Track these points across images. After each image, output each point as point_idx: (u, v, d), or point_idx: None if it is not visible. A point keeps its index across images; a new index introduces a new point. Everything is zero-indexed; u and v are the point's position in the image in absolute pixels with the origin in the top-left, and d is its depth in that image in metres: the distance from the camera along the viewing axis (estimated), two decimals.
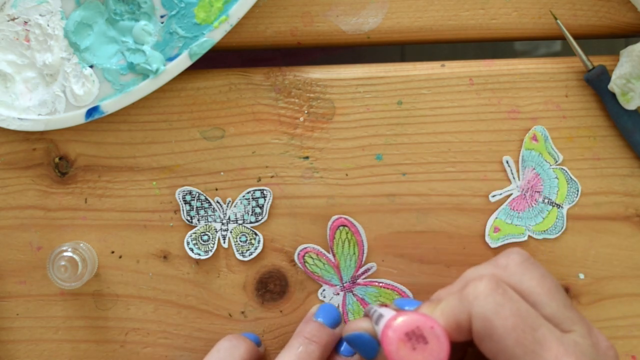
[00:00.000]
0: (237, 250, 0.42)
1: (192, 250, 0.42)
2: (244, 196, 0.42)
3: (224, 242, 0.42)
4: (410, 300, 0.39)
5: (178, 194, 0.42)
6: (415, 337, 0.31)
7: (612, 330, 0.41)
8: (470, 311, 0.32)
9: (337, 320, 0.40)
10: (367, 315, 0.36)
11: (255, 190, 0.42)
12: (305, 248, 0.42)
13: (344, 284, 0.42)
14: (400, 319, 0.31)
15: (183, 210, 0.42)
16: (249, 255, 0.42)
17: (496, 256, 0.35)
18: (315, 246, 0.42)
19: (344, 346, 0.39)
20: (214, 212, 0.42)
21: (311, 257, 0.42)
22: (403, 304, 0.38)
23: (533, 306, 0.33)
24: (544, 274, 0.34)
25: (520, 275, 0.34)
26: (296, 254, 0.42)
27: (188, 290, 0.42)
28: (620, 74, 0.39)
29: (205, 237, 0.42)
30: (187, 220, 0.42)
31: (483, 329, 0.31)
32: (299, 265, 0.42)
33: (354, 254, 0.42)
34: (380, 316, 0.33)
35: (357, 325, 0.35)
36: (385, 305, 0.40)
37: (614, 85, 0.39)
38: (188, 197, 0.42)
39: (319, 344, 0.38)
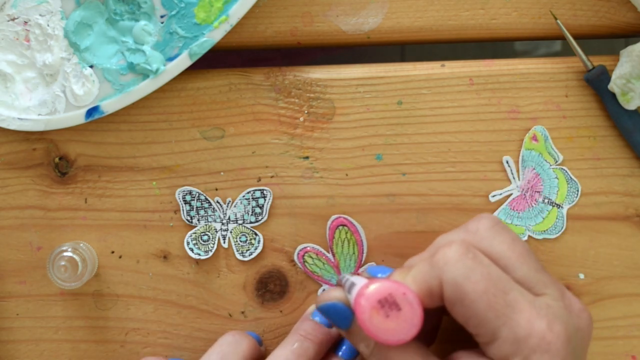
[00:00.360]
0: (237, 250, 0.42)
1: (192, 250, 0.42)
2: (244, 196, 0.42)
3: (224, 242, 0.42)
4: (382, 267, 0.39)
5: (178, 194, 0.42)
6: (388, 304, 0.31)
7: (612, 330, 0.41)
8: (441, 277, 0.32)
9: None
10: (339, 284, 0.36)
11: (255, 190, 0.42)
12: (305, 248, 0.42)
13: None
14: (373, 287, 0.31)
15: (183, 210, 0.42)
16: (249, 255, 0.42)
17: (467, 222, 0.35)
18: (315, 246, 0.42)
19: (344, 349, 0.39)
20: (214, 212, 0.42)
21: (311, 257, 0.42)
22: (375, 271, 0.38)
23: (504, 270, 0.33)
24: (514, 237, 0.34)
25: (491, 240, 0.34)
26: (295, 254, 0.42)
27: (188, 290, 0.42)
28: (620, 74, 0.39)
29: (205, 237, 0.42)
30: (187, 220, 0.42)
31: (454, 294, 0.31)
32: (299, 264, 0.42)
33: (354, 253, 0.42)
34: (353, 284, 0.33)
35: (330, 295, 0.35)
36: (358, 274, 0.40)
37: (614, 85, 0.39)
38: (188, 197, 0.42)
39: (314, 341, 0.38)
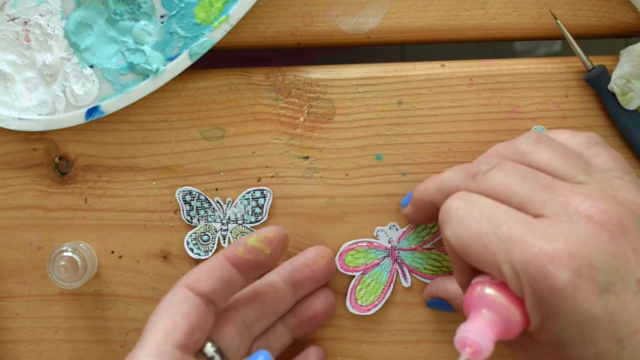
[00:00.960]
0: None
1: (192, 250, 0.42)
2: (243, 196, 0.42)
3: (224, 242, 0.42)
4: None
5: (178, 194, 0.42)
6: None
7: None
8: (447, 239, 0.33)
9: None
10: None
11: (255, 190, 0.42)
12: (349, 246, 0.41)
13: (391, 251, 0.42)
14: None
15: (183, 210, 0.42)
16: None
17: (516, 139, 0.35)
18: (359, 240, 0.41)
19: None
20: (214, 212, 0.42)
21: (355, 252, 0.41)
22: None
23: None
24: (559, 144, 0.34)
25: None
26: (338, 258, 0.41)
27: None
28: (620, 74, 0.39)
29: (205, 237, 0.42)
30: (187, 220, 0.42)
31: (459, 247, 0.32)
32: (341, 270, 0.41)
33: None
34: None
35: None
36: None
37: (614, 85, 0.39)
38: (188, 197, 0.42)
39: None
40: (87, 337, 0.43)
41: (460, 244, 0.32)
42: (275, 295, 0.39)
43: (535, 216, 0.31)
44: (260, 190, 0.42)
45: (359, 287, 0.41)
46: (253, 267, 0.36)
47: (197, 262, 0.42)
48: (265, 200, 0.42)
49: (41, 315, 0.43)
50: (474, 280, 0.32)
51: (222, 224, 0.42)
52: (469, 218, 0.31)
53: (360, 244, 0.41)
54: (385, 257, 0.41)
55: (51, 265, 0.40)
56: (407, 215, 0.40)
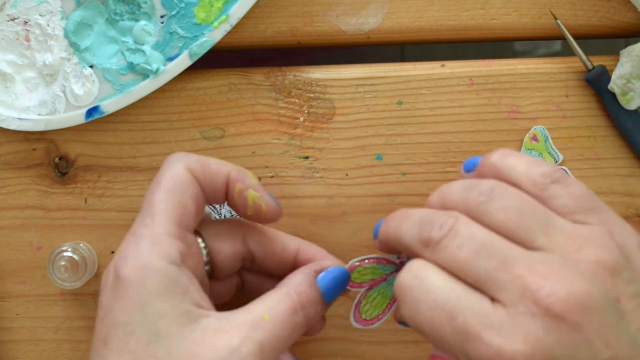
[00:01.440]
0: None
1: None
2: None
3: None
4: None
5: None
6: None
7: None
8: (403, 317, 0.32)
9: None
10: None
11: None
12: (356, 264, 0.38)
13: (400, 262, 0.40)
14: None
15: None
16: None
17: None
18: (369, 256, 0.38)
19: (329, 283, 0.37)
20: (209, 214, 0.42)
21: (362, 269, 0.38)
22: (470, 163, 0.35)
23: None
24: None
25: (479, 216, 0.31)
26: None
27: None
28: (620, 74, 0.39)
29: None
30: None
31: (416, 329, 0.31)
32: (352, 289, 0.38)
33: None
34: None
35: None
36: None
37: (614, 85, 0.39)
38: None
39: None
40: (87, 337, 0.43)
41: (417, 328, 0.30)
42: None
43: (492, 299, 0.29)
44: None
45: (364, 302, 0.40)
46: (235, 205, 0.36)
47: None
48: None
49: (41, 315, 0.43)
50: (433, 352, 0.32)
51: None
52: (422, 304, 0.30)
53: (368, 261, 0.39)
54: (392, 272, 0.39)
55: (51, 265, 0.40)
56: (378, 249, 0.37)
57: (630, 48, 0.39)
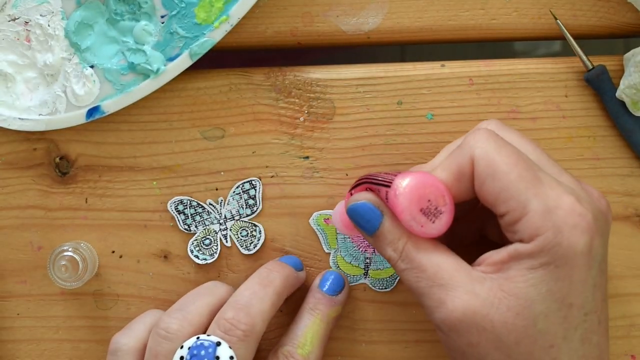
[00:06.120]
0: (242, 246, 0.42)
1: (197, 257, 0.42)
2: (234, 191, 0.42)
3: (227, 241, 0.42)
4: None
5: (170, 206, 0.42)
6: (422, 197, 0.32)
7: (611, 330, 0.41)
8: (473, 154, 0.33)
9: (299, 264, 0.41)
10: (362, 185, 0.36)
11: (244, 182, 0.42)
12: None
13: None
14: (408, 180, 0.32)
15: (179, 220, 0.42)
16: (254, 247, 0.42)
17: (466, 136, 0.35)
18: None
19: (328, 284, 0.40)
20: (209, 214, 0.42)
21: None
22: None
23: None
24: (521, 135, 0.35)
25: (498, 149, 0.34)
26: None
27: (189, 290, 0.42)
28: (629, 84, 0.39)
29: (207, 241, 0.42)
30: (184, 229, 0.42)
31: (486, 169, 0.32)
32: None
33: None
34: (382, 183, 0.34)
35: (360, 196, 0.35)
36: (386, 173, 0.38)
37: (623, 94, 0.39)
38: (180, 207, 0.42)
39: (281, 273, 0.39)
40: (87, 337, 0.43)
41: (491, 166, 0.32)
42: None
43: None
44: (248, 181, 0.42)
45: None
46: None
47: (201, 267, 0.42)
48: (255, 190, 0.42)
49: (42, 314, 0.43)
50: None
51: (220, 224, 0.42)
52: (507, 149, 0.33)
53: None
54: None
55: (52, 264, 0.40)
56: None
57: (634, 53, 0.39)
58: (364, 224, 0.35)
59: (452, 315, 0.32)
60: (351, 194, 0.37)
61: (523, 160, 0.32)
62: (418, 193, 0.32)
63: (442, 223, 0.33)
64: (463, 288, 0.32)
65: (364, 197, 0.35)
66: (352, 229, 0.38)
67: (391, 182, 0.33)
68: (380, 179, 0.35)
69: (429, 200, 0.32)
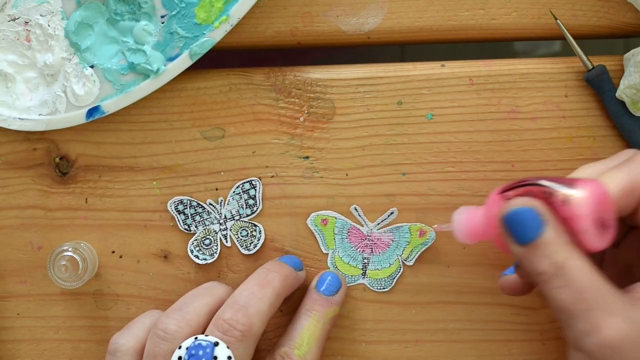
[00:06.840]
0: (242, 246, 0.42)
1: (197, 257, 0.42)
2: (234, 191, 0.42)
3: (227, 241, 0.42)
4: None
5: (170, 206, 0.42)
6: (599, 209, 0.31)
7: None
8: None
9: (299, 264, 0.41)
10: (514, 189, 0.34)
11: (244, 182, 0.42)
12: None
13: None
14: (585, 193, 0.30)
15: (179, 220, 0.42)
16: (254, 247, 0.42)
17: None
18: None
19: (325, 284, 0.41)
20: (209, 214, 0.42)
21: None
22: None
23: None
24: None
25: None
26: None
27: (189, 290, 0.42)
28: (629, 84, 0.39)
29: (207, 241, 0.42)
30: (184, 229, 0.42)
31: None
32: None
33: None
34: (553, 191, 0.32)
35: (520, 201, 0.32)
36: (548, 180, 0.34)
37: (623, 94, 0.39)
38: (180, 207, 0.42)
39: (280, 273, 0.39)
40: (87, 337, 0.43)
41: None
42: None
43: None
44: (248, 181, 0.42)
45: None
46: None
47: (201, 267, 0.42)
48: (255, 190, 0.42)
49: (42, 314, 0.43)
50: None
51: (220, 224, 0.42)
52: None
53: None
54: None
55: (52, 264, 0.40)
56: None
57: (634, 53, 0.39)
58: (522, 230, 0.32)
59: (606, 342, 0.30)
60: (502, 198, 0.34)
61: None
62: (598, 201, 0.31)
63: (608, 237, 0.31)
64: (621, 315, 0.30)
65: (525, 202, 0.32)
66: (479, 237, 0.35)
67: (553, 188, 0.31)
68: (543, 183, 0.32)
69: (601, 212, 0.31)
